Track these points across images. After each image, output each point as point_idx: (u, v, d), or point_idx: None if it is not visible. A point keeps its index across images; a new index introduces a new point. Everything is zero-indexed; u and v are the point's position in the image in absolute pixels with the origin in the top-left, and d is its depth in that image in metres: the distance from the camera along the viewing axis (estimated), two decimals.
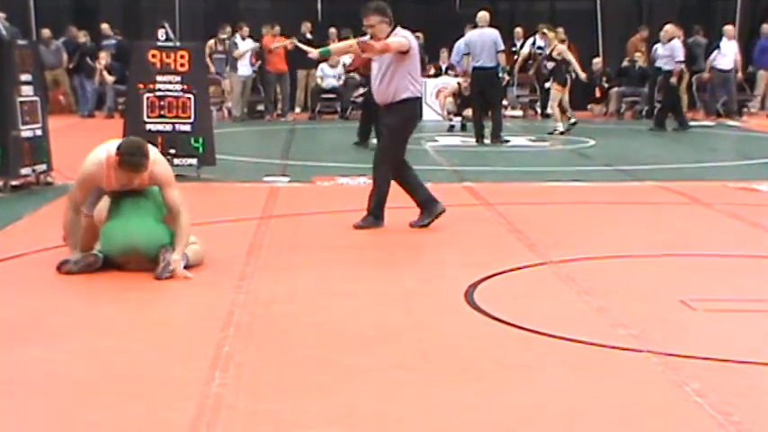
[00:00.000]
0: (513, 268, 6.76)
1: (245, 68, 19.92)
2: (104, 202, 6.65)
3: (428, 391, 4.34)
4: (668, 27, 18.37)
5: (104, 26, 21.36)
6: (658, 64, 18.39)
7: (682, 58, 18.20)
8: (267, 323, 5.38)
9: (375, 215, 8.18)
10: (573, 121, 17.13)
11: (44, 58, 19.67)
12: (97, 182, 6.52)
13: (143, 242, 6.42)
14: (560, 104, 17.19)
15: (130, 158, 6.39)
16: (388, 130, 8.23)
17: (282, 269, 6.68)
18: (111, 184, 6.51)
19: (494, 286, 6.29)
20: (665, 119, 18.09)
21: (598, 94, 21.59)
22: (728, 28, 19.93)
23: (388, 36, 7.98)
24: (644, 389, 4.36)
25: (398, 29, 8.10)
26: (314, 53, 8.94)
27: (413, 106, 8.25)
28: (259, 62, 20.11)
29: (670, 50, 17.98)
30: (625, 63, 21.53)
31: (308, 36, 19.81)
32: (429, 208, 8.21)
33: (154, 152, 6.59)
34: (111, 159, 6.42)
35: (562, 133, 16.71)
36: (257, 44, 19.91)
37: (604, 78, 21.52)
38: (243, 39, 20.00)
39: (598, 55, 22.31)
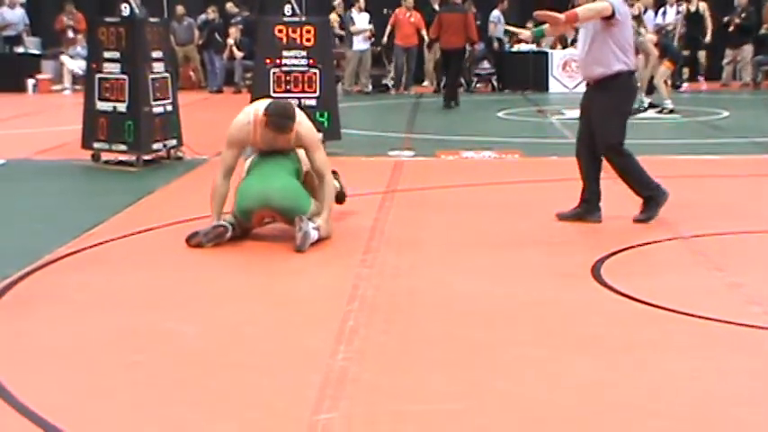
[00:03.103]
0: (642, 243, 6.61)
1: (360, 43, 20.06)
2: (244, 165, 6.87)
3: (552, 368, 4.28)
4: None
5: (229, 5, 21.66)
6: None
7: None
8: (391, 297, 5.40)
9: (650, 199, 7.27)
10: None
11: (176, 35, 20.14)
12: (244, 141, 6.80)
13: (278, 195, 6.56)
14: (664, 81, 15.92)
15: (277, 119, 6.64)
16: (600, 112, 7.21)
17: (407, 244, 6.69)
18: (256, 142, 6.78)
19: (622, 261, 6.17)
20: None
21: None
22: None
23: None
24: None
25: None
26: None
27: (626, 80, 7.24)
28: (385, 36, 20.20)
29: None
30: (762, 30, 20.75)
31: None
32: (591, 205, 7.37)
33: (300, 115, 6.80)
34: (257, 119, 6.67)
35: (671, 111, 15.66)
36: (371, 26, 20.03)
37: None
38: (359, 12, 20.11)
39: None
